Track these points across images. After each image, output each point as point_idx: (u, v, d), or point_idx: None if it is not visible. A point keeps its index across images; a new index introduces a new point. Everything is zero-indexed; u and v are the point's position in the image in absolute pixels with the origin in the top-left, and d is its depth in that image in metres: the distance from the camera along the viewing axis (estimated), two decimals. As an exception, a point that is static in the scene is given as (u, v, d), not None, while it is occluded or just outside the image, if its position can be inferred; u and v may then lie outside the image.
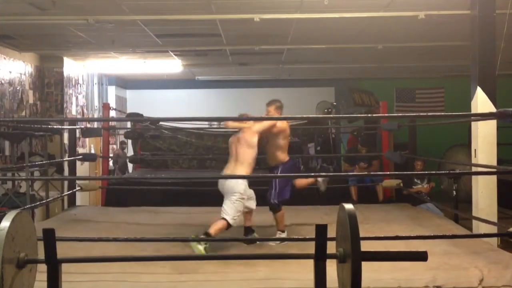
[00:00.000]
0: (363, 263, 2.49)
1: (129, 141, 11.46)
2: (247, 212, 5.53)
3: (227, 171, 5.43)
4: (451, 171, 7.37)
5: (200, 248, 4.87)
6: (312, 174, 9.46)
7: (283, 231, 5.65)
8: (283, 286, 3.98)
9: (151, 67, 11.19)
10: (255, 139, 5.42)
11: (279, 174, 5.65)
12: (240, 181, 5.26)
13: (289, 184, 5.72)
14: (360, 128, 10.37)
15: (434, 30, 7.89)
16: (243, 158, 5.37)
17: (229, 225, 5.21)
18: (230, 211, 5.21)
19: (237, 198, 5.24)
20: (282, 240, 5.45)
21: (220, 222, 5.18)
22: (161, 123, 10.54)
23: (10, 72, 8.88)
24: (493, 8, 5.56)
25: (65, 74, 10.38)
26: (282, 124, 5.59)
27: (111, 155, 11.37)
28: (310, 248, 2.80)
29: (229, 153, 5.56)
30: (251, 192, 5.47)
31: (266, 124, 5.46)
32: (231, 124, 5.87)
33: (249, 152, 5.38)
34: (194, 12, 6.82)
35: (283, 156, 5.72)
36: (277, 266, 4.34)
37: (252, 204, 5.49)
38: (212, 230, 5.08)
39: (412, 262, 3.49)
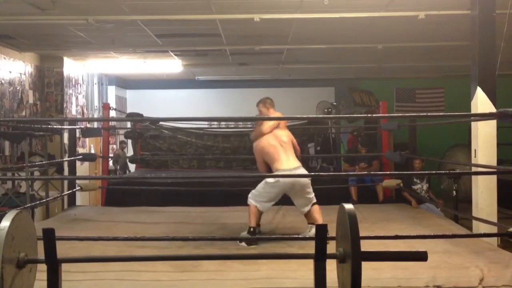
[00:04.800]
0: (363, 262, 2.49)
1: (129, 141, 11.47)
2: (259, 212, 5.43)
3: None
4: (451, 171, 7.38)
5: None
6: (312, 173, 9.49)
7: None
8: (283, 285, 3.97)
9: (151, 67, 11.19)
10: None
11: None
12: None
13: None
14: (360, 128, 10.36)
15: (434, 30, 7.89)
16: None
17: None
18: (311, 194, 5.36)
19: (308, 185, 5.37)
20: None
21: (314, 209, 5.34)
22: (161, 123, 10.55)
23: (10, 72, 8.88)
24: (493, 8, 5.55)
25: (65, 74, 10.38)
26: None
27: (111, 155, 11.37)
28: (310, 247, 2.80)
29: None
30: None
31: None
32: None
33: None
34: (194, 12, 6.82)
35: None
36: (278, 265, 4.34)
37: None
38: (319, 221, 5.22)
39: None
